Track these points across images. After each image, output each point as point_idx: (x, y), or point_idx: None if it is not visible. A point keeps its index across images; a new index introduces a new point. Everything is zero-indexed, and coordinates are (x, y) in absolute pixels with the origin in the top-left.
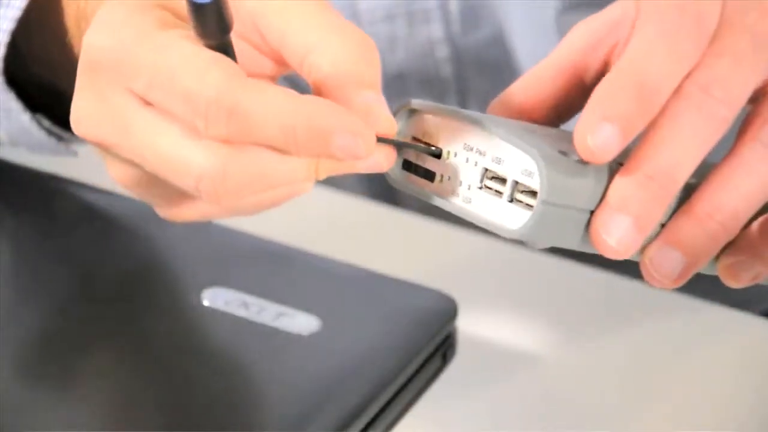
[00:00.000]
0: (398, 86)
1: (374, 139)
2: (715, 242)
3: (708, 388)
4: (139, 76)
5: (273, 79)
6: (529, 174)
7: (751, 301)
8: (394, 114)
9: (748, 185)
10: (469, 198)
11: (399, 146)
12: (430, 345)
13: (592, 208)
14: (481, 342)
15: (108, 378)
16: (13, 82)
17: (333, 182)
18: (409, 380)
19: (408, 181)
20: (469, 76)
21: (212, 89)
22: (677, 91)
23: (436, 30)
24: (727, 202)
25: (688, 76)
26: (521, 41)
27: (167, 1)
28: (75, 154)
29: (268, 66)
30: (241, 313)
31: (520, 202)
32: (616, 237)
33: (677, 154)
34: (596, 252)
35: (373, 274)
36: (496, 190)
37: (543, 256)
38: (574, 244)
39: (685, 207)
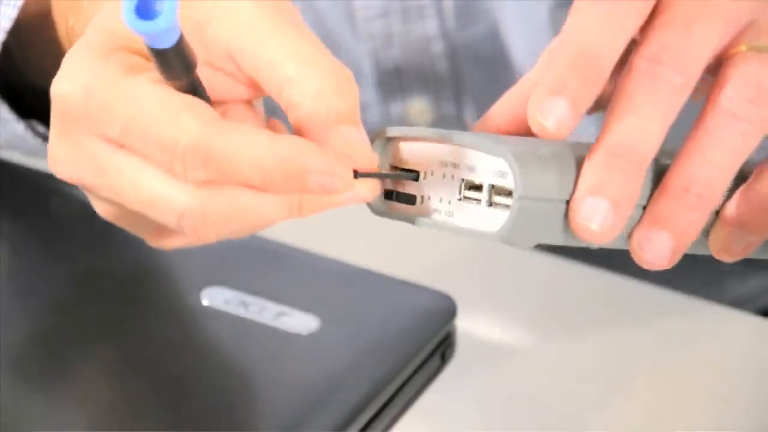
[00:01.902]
0: (394, 82)
1: (351, 176)
2: (696, 215)
3: (705, 387)
4: (112, 124)
5: (250, 103)
6: (503, 174)
7: (746, 298)
8: (371, 143)
9: (716, 153)
10: (451, 212)
11: (380, 177)
12: (429, 345)
13: (568, 198)
14: (480, 342)
15: (107, 378)
16: (7, 87)
17: None
18: (408, 380)
19: (391, 209)
20: (464, 71)
21: (187, 137)
22: (629, 67)
23: (431, 26)
24: (699, 172)
25: (638, 49)
26: (516, 37)
27: (132, 43)
28: None
29: (245, 92)
30: (240, 312)
31: (499, 204)
32: (596, 221)
33: (637, 128)
34: (582, 244)
35: (372, 273)
36: (474, 199)
37: (542, 255)
38: (558, 238)
39: (660, 186)
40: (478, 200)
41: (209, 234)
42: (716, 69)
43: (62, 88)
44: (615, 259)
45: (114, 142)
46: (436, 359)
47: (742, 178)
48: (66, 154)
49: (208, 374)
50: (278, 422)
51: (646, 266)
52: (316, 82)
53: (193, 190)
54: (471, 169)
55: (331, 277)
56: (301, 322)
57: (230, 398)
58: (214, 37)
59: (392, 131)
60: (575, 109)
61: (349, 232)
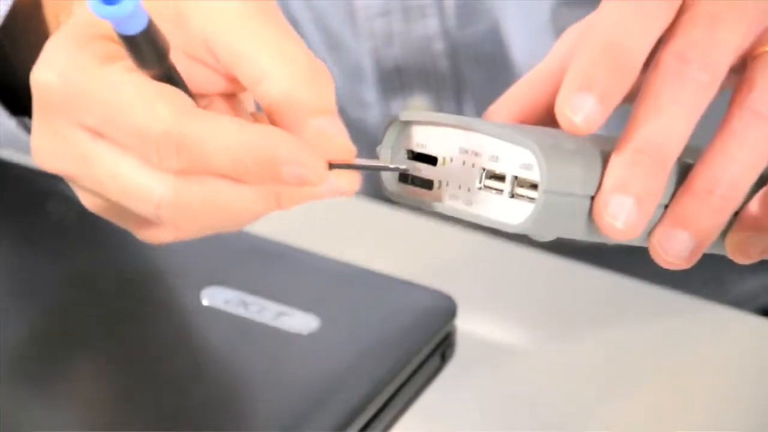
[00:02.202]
0: (395, 81)
1: (323, 166)
2: (719, 216)
3: (705, 387)
4: (89, 112)
5: (234, 97)
6: (528, 167)
7: (747, 297)
8: (386, 128)
9: (741, 155)
10: (470, 200)
11: (355, 168)
12: (429, 344)
13: (593, 194)
14: (480, 341)
15: (107, 377)
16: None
17: None
18: (408, 379)
19: (406, 193)
20: (465, 70)
21: (159, 124)
22: (656, 63)
23: (432, 25)
24: (724, 174)
25: (665, 46)
26: (517, 36)
27: (111, 32)
28: None
29: (223, 85)
30: (240, 312)
31: (522, 196)
32: (620, 218)
33: (664, 125)
34: (603, 239)
35: (372, 273)
36: (496, 189)
37: (543, 255)
38: (579, 233)
39: (684, 186)
40: (500, 190)
41: (188, 226)
42: (741, 69)
43: (41, 76)
44: (616, 259)
45: (93, 131)
46: (436, 359)
47: (761, 180)
48: (47, 144)
49: (208, 374)
50: (278, 422)
51: (665, 265)
52: (288, 75)
53: (170, 179)
54: (494, 158)
55: (331, 276)
56: (301, 322)
57: (230, 398)
58: (194, 27)
59: (408, 115)
60: (604, 105)
61: (349, 232)
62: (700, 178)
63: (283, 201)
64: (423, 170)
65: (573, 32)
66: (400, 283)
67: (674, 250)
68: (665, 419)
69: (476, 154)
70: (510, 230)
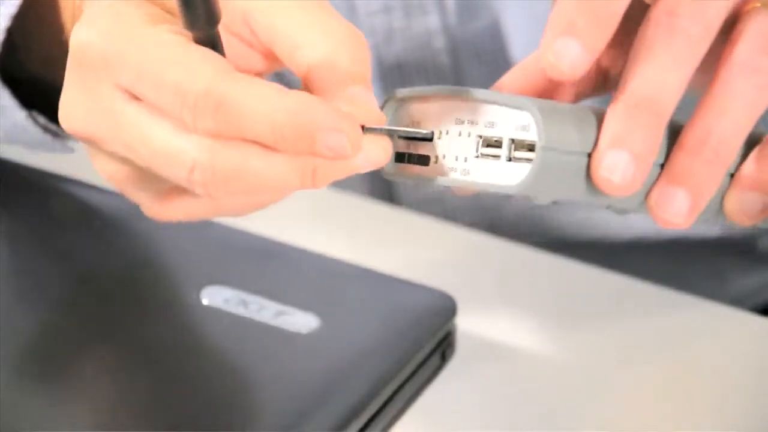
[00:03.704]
0: (396, 77)
1: (359, 133)
2: (713, 170)
3: (705, 386)
4: (128, 70)
5: (263, 75)
6: (525, 128)
7: (748, 292)
8: (381, 108)
9: (732, 107)
10: (467, 170)
11: (390, 134)
12: (429, 343)
13: (589, 150)
14: (480, 340)
15: (107, 377)
16: (8, 78)
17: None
18: (408, 379)
19: (403, 171)
20: (466, 66)
21: (200, 83)
22: (647, 19)
23: (432, 21)
24: (715, 126)
25: (656, 2)
26: (517, 32)
27: None
28: (72, 150)
29: (259, 62)
30: (240, 311)
31: (519, 159)
32: (617, 173)
33: (657, 78)
34: (600, 200)
35: (372, 272)
36: (493, 155)
37: (543, 255)
38: (578, 193)
39: (677, 143)
40: (497, 156)
41: (219, 190)
42: (730, 25)
43: (82, 33)
44: (616, 258)
45: (129, 92)
46: (436, 358)
47: (755, 141)
48: (79, 105)
49: (208, 373)
50: (278, 421)
51: (663, 225)
52: (327, 43)
53: (205, 142)
54: (490, 124)
55: (331, 276)
56: (301, 321)
57: (230, 397)
58: (233, 2)
59: (403, 92)
60: (587, 49)
61: (348, 232)
62: (691, 132)
63: (318, 175)
64: (419, 147)
65: None
66: (400, 283)
67: (672, 207)
68: (666, 419)
69: (472, 123)
70: (510, 192)
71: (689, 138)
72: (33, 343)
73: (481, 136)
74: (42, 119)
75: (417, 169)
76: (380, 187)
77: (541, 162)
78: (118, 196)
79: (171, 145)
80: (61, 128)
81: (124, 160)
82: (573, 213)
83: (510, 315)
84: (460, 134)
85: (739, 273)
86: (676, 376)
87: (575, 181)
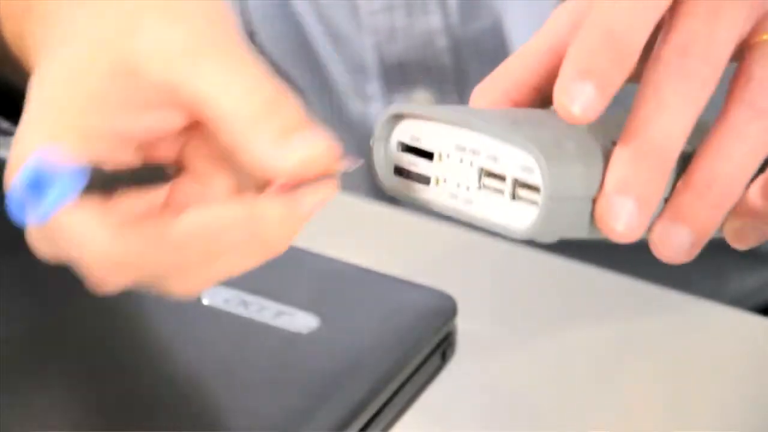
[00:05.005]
0: (398, 76)
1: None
2: (717, 211)
3: (704, 386)
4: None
5: (196, 125)
6: (529, 170)
7: (748, 292)
8: (380, 121)
9: (739, 150)
10: (469, 199)
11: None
12: (429, 344)
13: (594, 194)
14: (480, 341)
15: (106, 377)
16: None
17: None
18: (408, 379)
19: (402, 186)
20: (467, 65)
21: (96, 252)
22: (656, 57)
23: (434, 21)
24: (722, 169)
25: (665, 39)
26: (519, 31)
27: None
28: None
29: (188, 117)
30: (240, 311)
31: (523, 198)
32: (622, 221)
33: (666, 125)
34: (605, 238)
35: (372, 272)
36: (495, 189)
37: (543, 255)
38: (582, 233)
39: (683, 180)
40: (500, 191)
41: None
42: (738, 56)
43: (17, 157)
44: (616, 257)
45: None
46: (437, 358)
47: (760, 167)
48: (39, 242)
49: (208, 373)
50: (278, 421)
51: (665, 260)
52: (248, 111)
53: (135, 284)
54: (493, 159)
55: (331, 276)
56: (301, 321)
57: (230, 397)
58: (147, 78)
59: (402, 108)
60: (603, 93)
61: (349, 232)
62: (698, 173)
63: (269, 251)
64: (419, 165)
65: (564, 9)
66: (400, 283)
67: (674, 244)
68: (666, 419)
69: (474, 152)
70: (514, 236)
71: (695, 179)
72: (30, 343)
73: (483, 168)
74: (5, 124)
75: (417, 187)
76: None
77: (547, 211)
78: None
79: (115, 285)
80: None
81: None
82: None
83: (510, 315)
84: (461, 161)
85: (739, 273)
86: (676, 376)
87: (580, 223)
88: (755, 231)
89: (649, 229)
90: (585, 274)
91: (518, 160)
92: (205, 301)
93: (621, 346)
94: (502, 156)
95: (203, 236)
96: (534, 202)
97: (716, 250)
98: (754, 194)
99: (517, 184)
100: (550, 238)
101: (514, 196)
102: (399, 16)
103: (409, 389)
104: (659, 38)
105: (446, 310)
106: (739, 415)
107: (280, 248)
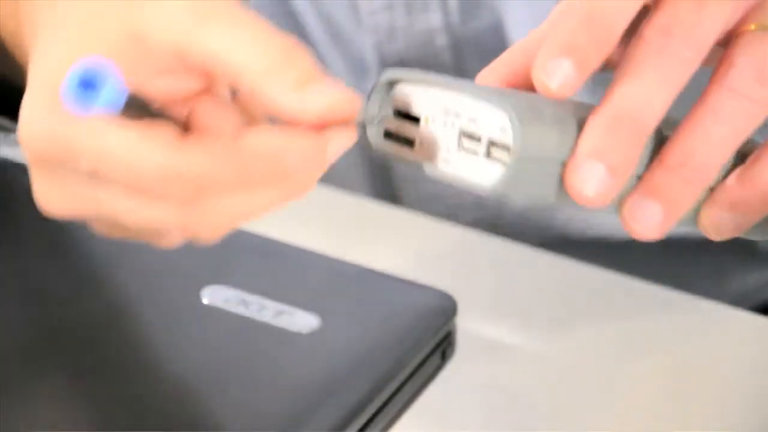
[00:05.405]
0: None
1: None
2: (690, 190)
3: (705, 386)
4: (81, 164)
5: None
6: (503, 129)
7: (749, 291)
8: (374, 86)
9: (716, 132)
10: (447, 160)
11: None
12: (429, 343)
13: (565, 159)
14: (480, 340)
15: (107, 377)
16: None
17: (334, 181)
18: (408, 378)
19: (390, 149)
20: (468, 64)
21: (151, 167)
22: (639, 36)
23: (435, 19)
24: (698, 149)
25: (649, 19)
26: (520, 30)
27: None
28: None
29: (199, 83)
30: (240, 311)
31: (496, 158)
32: (591, 186)
33: (642, 96)
34: (574, 206)
35: (372, 272)
36: (472, 150)
37: (543, 254)
38: (550, 197)
39: (658, 157)
40: (476, 152)
41: (210, 236)
42: (725, 44)
43: (26, 135)
44: (616, 258)
45: (92, 179)
46: (436, 358)
47: (740, 157)
48: (54, 196)
49: (208, 373)
50: (277, 421)
51: (635, 236)
52: (262, 63)
53: (178, 210)
54: (473, 120)
55: (332, 275)
56: (301, 321)
57: (230, 397)
58: (158, 46)
59: (394, 73)
60: (581, 70)
61: (349, 232)
62: (673, 150)
63: (296, 191)
64: (406, 128)
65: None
66: (400, 283)
67: (644, 219)
68: (666, 418)
69: (456, 115)
70: (482, 192)
71: (670, 156)
72: (31, 343)
73: (462, 130)
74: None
75: (402, 149)
76: (381, 186)
77: (515, 169)
78: None
79: (147, 218)
80: (7, 121)
81: (115, 228)
82: (573, 213)
83: (510, 315)
84: (445, 124)
85: (739, 273)
86: (676, 376)
87: (549, 186)
88: (732, 222)
89: (621, 203)
90: (585, 274)
91: (495, 121)
92: (205, 301)
93: (621, 346)
94: (481, 117)
95: (272, 156)
96: (506, 163)
97: (715, 250)
98: (732, 183)
99: (492, 144)
100: (520, 198)
101: (488, 155)
102: (399, 15)
103: (408, 389)
104: (644, 19)
105: (446, 309)
106: (739, 415)
107: (306, 189)
